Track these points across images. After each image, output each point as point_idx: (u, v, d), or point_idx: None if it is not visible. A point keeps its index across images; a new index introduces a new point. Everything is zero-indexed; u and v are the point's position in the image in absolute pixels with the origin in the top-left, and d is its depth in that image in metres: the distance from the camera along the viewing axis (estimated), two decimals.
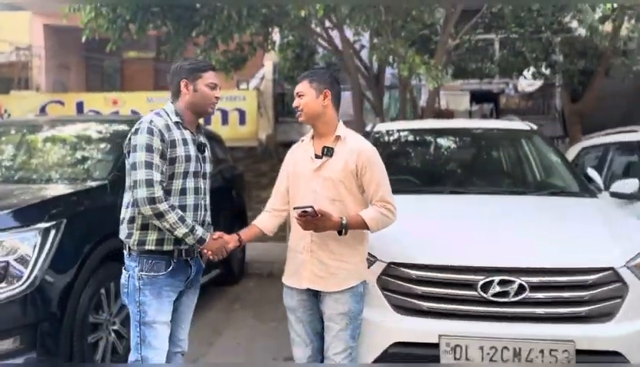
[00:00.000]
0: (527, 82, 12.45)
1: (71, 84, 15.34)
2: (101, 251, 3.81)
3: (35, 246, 3.35)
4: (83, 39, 7.27)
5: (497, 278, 2.71)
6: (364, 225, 2.62)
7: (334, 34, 8.03)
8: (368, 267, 2.84)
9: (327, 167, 2.68)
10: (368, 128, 5.26)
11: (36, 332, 3.28)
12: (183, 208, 2.64)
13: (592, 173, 4.14)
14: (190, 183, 2.68)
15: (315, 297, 2.74)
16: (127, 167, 2.67)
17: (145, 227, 2.64)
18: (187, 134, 2.70)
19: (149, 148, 2.54)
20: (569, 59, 8.08)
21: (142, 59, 15.91)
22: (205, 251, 2.69)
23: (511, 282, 2.70)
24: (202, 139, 2.82)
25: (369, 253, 2.83)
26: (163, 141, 2.56)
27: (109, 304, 3.91)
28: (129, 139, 2.65)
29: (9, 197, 3.75)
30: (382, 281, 2.90)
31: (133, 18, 7.36)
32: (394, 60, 6.03)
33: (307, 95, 2.72)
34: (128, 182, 2.68)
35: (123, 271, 2.77)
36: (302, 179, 2.74)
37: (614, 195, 4.26)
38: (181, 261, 2.70)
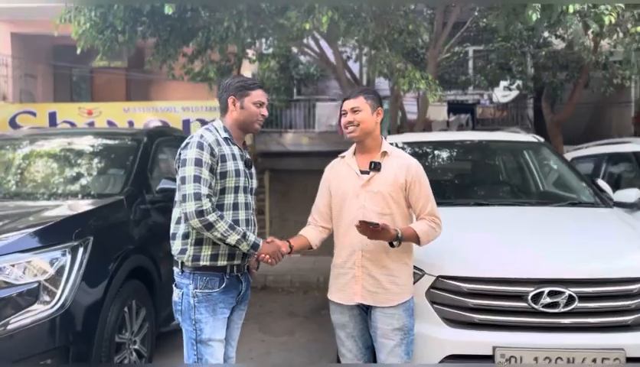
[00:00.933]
0: (502, 94, 12.84)
1: (38, 94, 14.87)
2: (125, 268, 3.73)
3: (65, 265, 3.25)
4: (78, 51, 7.09)
5: (546, 289, 2.79)
6: (415, 238, 2.67)
7: (323, 45, 8.09)
8: (415, 282, 2.88)
9: (375, 182, 2.73)
10: None
11: (68, 354, 3.17)
12: (236, 222, 2.64)
13: (602, 183, 4.30)
14: (241, 198, 2.69)
15: (365, 311, 2.76)
16: (177, 181, 2.66)
17: (199, 242, 2.63)
18: (236, 150, 2.71)
19: (198, 162, 2.54)
20: (552, 71, 8.39)
21: (114, 69, 15.58)
22: (262, 255, 2.68)
23: (561, 293, 2.78)
24: (248, 155, 2.83)
25: (415, 267, 2.88)
26: (213, 155, 2.57)
27: (131, 323, 3.81)
28: (179, 154, 2.66)
29: (29, 215, 3.63)
30: (430, 295, 2.94)
31: (122, 29, 7.23)
32: (392, 73, 6.12)
33: (364, 111, 2.75)
34: (177, 196, 2.68)
35: (175, 288, 2.72)
36: (348, 195, 2.77)
37: (617, 204, 4.43)
38: (233, 276, 2.70)
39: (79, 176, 4.53)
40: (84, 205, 3.91)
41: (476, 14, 8.19)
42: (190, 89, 12.43)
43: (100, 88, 15.89)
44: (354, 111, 2.75)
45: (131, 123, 11.80)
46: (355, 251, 2.72)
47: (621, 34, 5.82)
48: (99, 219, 3.75)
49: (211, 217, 2.50)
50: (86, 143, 4.92)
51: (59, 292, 3.17)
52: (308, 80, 13.28)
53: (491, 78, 8.61)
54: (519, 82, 9.58)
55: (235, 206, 2.67)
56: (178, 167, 2.63)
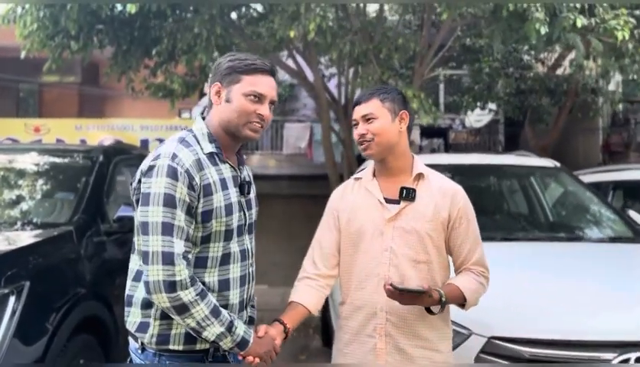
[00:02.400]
0: (475, 118, 12.55)
1: None
2: (72, 320, 2.92)
3: None
4: (22, 55, 6.21)
5: (634, 355, 2.18)
6: (460, 300, 1.96)
7: (300, 62, 7.50)
8: (460, 343, 2.21)
9: (407, 216, 1.98)
10: (367, 164, 4.67)
11: None
12: (225, 283, 1.79)
13: (634, 215, 3.78)
14: (234, 246, 1.81)
15: None
16: (135, 221, 1.75)
17: (167, 315, 1.71)
18: (227, 170, 1.81)
19: (170, 202, 1.66)
20: (539, 95, 8.07)
21: (65, 83, 14.52)
22: (250, 358, 1.78)
23: None
24: (246, 173, 1.92)
25: (456, 323, 2.21)
26: (192, 188, 1.70)
27: None
28: (139, 180, 1.75)
29: None
30: (481, 361, 2.27)
31: (77, 34, 6.42)
32: None
33: (381, 119, 1.99)
34: (136, 244, 1.78)
35: None
36: (367, 232, 2.01)
37: None
38: (218, 356, 1.83)
39: (17, 200, 3.69)
40: (22, 238, 3.09)
41: (459, 33, 7.77)
42: (148, 107, 11.58)
43: (50, 104, 14.79)
44: (367, 119, 1.99)
45: (83, 142, 10.82)
46: (377, 314, 1.96)
47: (627, 60, 5.43)
48: (40, 256, 2.94)
49: (187, 295, 1.64)
50: (28, 161, 4.08)
51: None
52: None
53: (477, 99, 8.19)
54: (493, 105, 9.24)
55: (225, 260, 1.79)
56: (138, 200, 1.73)
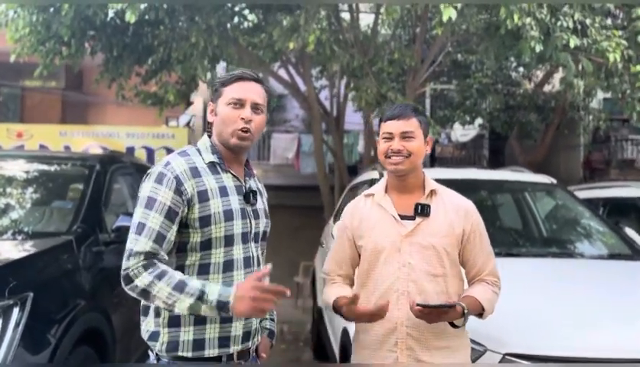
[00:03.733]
0: (461, 132, 12.71)
1: None
2: (74, 333, 2.84)
3: None
4: (12, 58, 6.10)
5: None
6: (478, 310, 2.02)
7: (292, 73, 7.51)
8: (475, 360, 2.23)
9: (424, 231, 2.03)
10: (366, 177, 4.68)
11: None
12: None
13: (631, 233, 3.85)
14: (237, 252, 1.83)
15: None
16: None
17: (174, 323, 1.79)
18: (228, 179, 1.87)
19: (149, 203, 1.75)
20: (528, 111, 8.20)
21: (48, 88, 14.27)
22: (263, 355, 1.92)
23: None
24: (253, 184, 1.96)
25: (473, 340, 2.22)
26: (179, 193, 1.76)
27: None
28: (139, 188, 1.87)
29: None
30: None
31: (69, 40, 6.33)
32: (378, 103, 5.59)
33: (417, 139, 2.05)
34: None
35: None
36: (384, 249, 2.04)
37: None
38: (232, 366, 1.85)
39: (14, 208, 3.60)
40: (22, 248, 3.02)
41: (449, 49, 7.87)
42: (133, 114, 11.47)
43: (32, 109, 14.52)
44: (406, 137, 2.03)
45: (67, 148, 10.65)
46: (397, 328, 2.00)
47: (616, 79, 5.56)
48: (43, 267, 2.87)
49: (142, 280, 1.68)
50: (22, 168, 3.99)
51: None
52: None
53: (467, 114, 8.30)
54: (481, 121, 9.37)
55: (227, 267, 1.81)
56: None
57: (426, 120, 2.15)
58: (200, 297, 1.68)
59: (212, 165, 1.86)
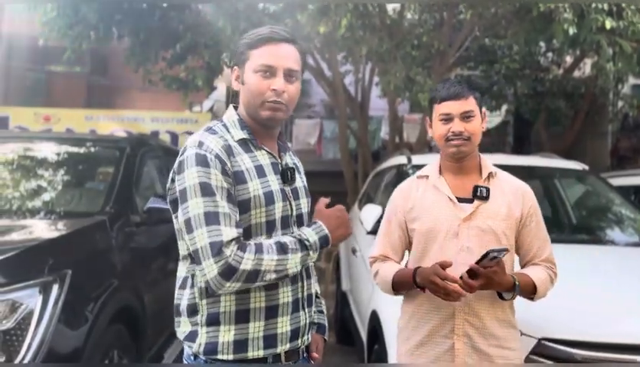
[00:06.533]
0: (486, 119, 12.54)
1: None
2: (109, 311, 2.90)
3: (35, 307, 2.42)
4: (40, 42, 6.18)
5: None
6: (531, 290, 1.98)
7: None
8: None
9: (483, 215, 1.97)
10: (394, 162, 4.65)
11: None
12: (272, 283, 1.60)
13: None
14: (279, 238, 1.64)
15: None
16: (176, 225, 1.64)
17: (214, 321, 1.59)
18: (263, 157, 1.66)
19: (207, 190, 1.52)
20: (557, 97, 8.06)
21: (73, 73, 14.44)
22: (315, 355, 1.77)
23: None
24: (289, 160, 1.76)
25: None
26: (226, 173, 1.55)
27: None
28: (172, 180, 1.63)
29: None
30: (531, 362, 2.26)
31: (98, 24, 6.38)
32: (407, 87, 5.54)
33: (476, 118, 1.97)
34: (182, 250, 1.67)
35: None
36: (441, 232, 1.98)
37: None
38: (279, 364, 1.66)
39: (48, 189, 3.67)
40: (58, 227, 3.08)
41: (477, 33, 7.74)
42: (156, 99, 11.56)
43: (58, 93, 14.71)
44: (466, 117, 1.94)
45: (93, 132, 10.80)
46: (455, 314, 1.95)
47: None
48: (79, 245, 2.93)
49: (247, 263, 1.49)
50: (56, 150, 4.05)
51: (26, 342, 2.34)
52: None
53: (495, 99, 8.17)
54: (507, 107, 9.21)
55: None
56: (174, 201, 1.61)
57: (480, 95, 2.04)
58: (304, 246, 1.58)
59: (243, 142, 1.64)
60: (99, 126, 11.16)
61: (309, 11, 4.84)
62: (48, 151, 4.00)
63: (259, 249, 1.52)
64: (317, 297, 1.88)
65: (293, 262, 1.55)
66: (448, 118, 1.97)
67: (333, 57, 6.84)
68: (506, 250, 1.84)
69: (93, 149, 4.16)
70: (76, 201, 3.62)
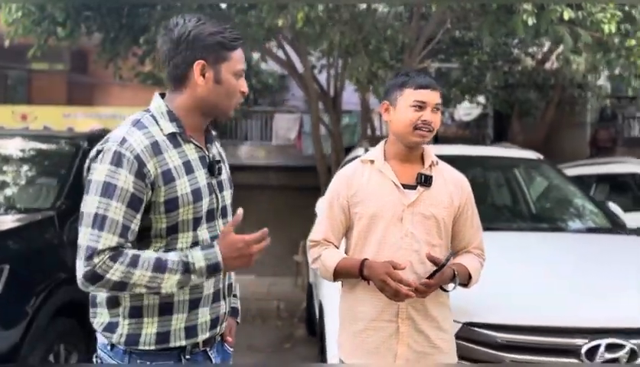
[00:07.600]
0: (464, 112, 12.58)
1: None
2: (53, 304, 2.92)
3: None
4: (7, 43, 6.15)
5: (604, 342, 2.21)
6: (466, 279, 2.02)
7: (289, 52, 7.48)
8: None
9: (426, 201, 1.99)
10: (354, 154, 4.68)
11: None
12: None
13: (614, 207, 3.83)
14: (203, 233, 1.63)
15: None
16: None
17: (136, 314, 1.57)
18: (191, 151, 1.63)
19: (107, 191, 1.48)
20: (527, 89, 8.11)
21: (54, 71, 14.38)
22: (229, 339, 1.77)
23: (621, 346, 2.21)
24: (215, 151, 1.73)
25: None
26: (142, 176, 1.51)
27: None
28: (88, 168, 1.57)
29: None
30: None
31: (64, 20, 6.36)
32: (370, 81, 5.57)
33: (439, 112, 2.02)
34: None
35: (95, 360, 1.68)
36: (385, 218, 1.98)
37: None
38: (198, 353, 1.67)
39: (1, 186, 3.67)
40: (2, 222, 3.08)
41: (448, 26, 7.77)
42: (137, 95, 11.49)
43: (39, 91, 14.65)
44: (436, 109, 1.97)
45: (71, 129, 10.77)
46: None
47: (612, 55, 5.47)
48: (20, 242, 2.94)
49: (114, 273, 1.46)
50: (11, 146, 4.05)
51: None
52: (265, 91, 12.60)
53: (466, 92, 8.21)
54: (482, 99, 9.26)
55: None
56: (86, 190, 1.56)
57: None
58: (187, 269, 1.53)
59: (172, 136, 1.59)
60: (77, 123, 11.14)
61: (268, 6, 4.85)
62: (3, 147, 4.00)
63: (133, 262, 1.49)
64: (234, 294, 1.89)
65: (169, 283, 1.51)
66: (422, 106, 1.95)
67: (302, 50, 6.86)
68: (453, 254, 1.91)
69: (49, 145, 4.16)
70: (28, 197, 3.63)
